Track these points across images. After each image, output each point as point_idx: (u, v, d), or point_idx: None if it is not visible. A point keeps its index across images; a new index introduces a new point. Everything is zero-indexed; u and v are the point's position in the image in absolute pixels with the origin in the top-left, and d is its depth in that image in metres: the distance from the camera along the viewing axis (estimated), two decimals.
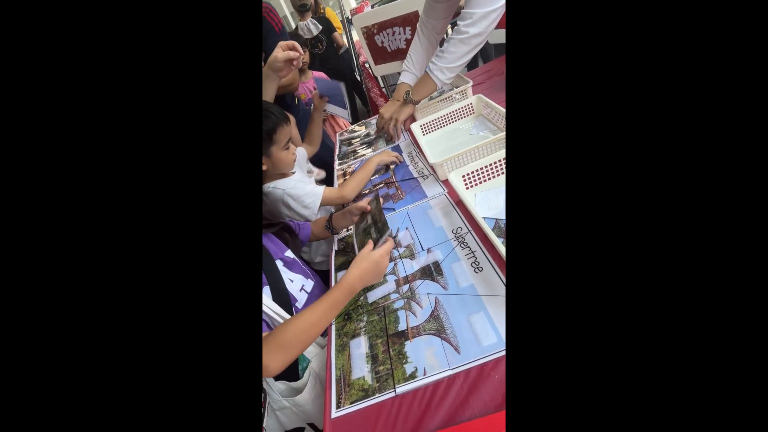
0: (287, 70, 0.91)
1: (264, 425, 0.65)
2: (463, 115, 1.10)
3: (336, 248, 0.87)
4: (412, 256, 0.73)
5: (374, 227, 0.74)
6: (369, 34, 1.93)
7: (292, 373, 0.64)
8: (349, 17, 2.31)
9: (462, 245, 0.69)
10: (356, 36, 2.14)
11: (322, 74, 1.96)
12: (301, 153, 1.16)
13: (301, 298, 0.75)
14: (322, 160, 1.39)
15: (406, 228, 0.81)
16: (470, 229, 0.71)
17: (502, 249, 0.59)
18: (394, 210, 0.89)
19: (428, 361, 0.53)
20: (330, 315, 0.61)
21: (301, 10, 2.44)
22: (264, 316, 0.65)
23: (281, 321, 0.65)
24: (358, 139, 1.38)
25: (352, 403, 0.52)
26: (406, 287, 0.66)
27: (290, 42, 0.88)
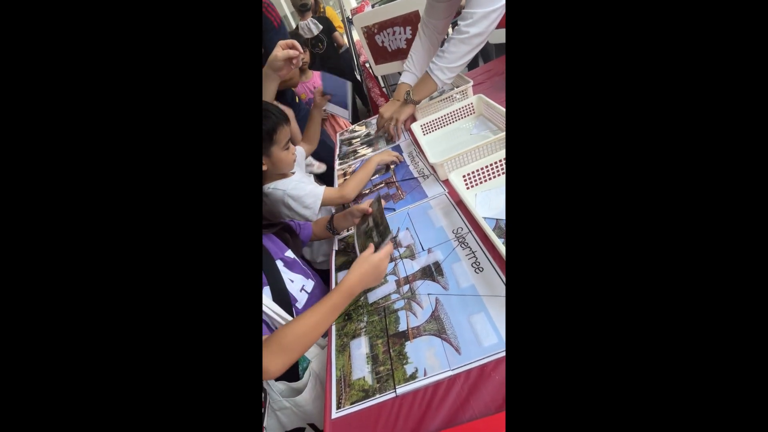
0: (287, 69, 0.91)
1: (264, 425, 0.65)
2: (463, 115, 1.10)
3: (336, 248, 0.87)
4: (412, 256, 0.73)
5: (376, 230, 0.73)
6: (369, 33, 1.93)
7: (292, 373, 0.64)
8: (350, 17, 2.30)
9: (462, 245, 0.69)
10: (356, 35, 2.13)
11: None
12: (300, 152, 1.16)
13: (301, 299, 0.75)
14: (323, 159, 1.39)
15: (407, 228, 0.81)
16: (471, 229, 0.71)
17: (502, 249, 0.59)
18: (394, 210, 0.89)
19: (429, 362, 0.53)
20: (330, 318, 0.62)
21: (301, 9, 2.44)
22: (264, 317, 0.65)
23: (281, 321, 0.65)
24: (359, 139, 1.38)
25: (352, 403, 0.52)
26: (406, 287, 0.66)
27: (290, 41, 0.88)
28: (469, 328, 0.54)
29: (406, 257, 0.73)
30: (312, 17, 2.47)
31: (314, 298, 0.77)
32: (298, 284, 0.76)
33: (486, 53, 2.22)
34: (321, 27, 2.44)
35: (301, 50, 0.88)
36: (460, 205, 0.78)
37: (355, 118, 2.15)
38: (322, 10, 2.72)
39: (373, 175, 1.07)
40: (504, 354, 0.49)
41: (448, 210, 0.80)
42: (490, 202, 0.74)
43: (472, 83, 1.14)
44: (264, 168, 0.87)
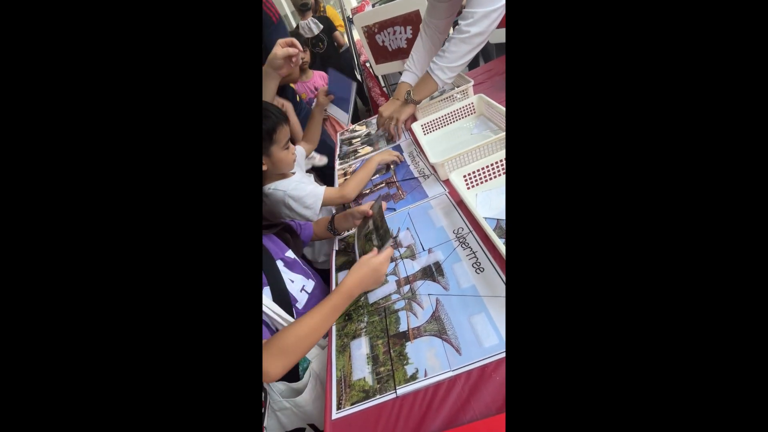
0: (287, 67, 0.91)
1: (264, 425, 0.65)
2: (464, 115, 1.09)
3: (337, 248, 0.87)
4: (413, 256, 0.72)
5: (376, 234, 0.73)
6: (370, 33, 1.92)
7: (292, 374, 0.64)
8: (350, 16, 2.30)
9: (463, 246, 0.69)
10: (357, 35, 2.13)
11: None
12: (300, 152, 1.16)
13: (301, 299, 0.75)
14: (322, 169, 1.39)
15: (407, 228, 0.80)
16: (471, 229, 0.71)
17: (503, 249, 0.58)
18: (395, 210, 0.89)
19: (429, 363, 0.52)
20: (329, 320, 0.61)
21: (302, 9, 2.44)
22: (264, 317, 0.65)
23: (281, 322, 0.65)
24: (359, 139, 1.37)
25: (352, 404, 0.52)
26: (407, 288, 0.66)
27: (289, 39, 0.88)
28: (470, 329, 0.54)
29: (406, 257, 0.73)
30: (312, 17, 2.46)
31: (314, 298, 0.77)
32: (298, 284, 0.76)
33: (487, 53, 2.21)
34: (321, 26, 2.44)
35: (301, 48, 0.88)
36: (461, 205, 0.78)
37: (356, 118, 2.15)
38: (322, 9, 2.72)
39: (374, 174, 1.07)
40: (504, 355, 0.49)
41: (449, 210, 0.79)
42: (490, 202, 0.74)
43: (472, 83, 1.13)
44: (264, 168, 0.87)
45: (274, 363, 0.54)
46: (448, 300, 0.60)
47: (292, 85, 1.47)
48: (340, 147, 1.39)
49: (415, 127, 1.07)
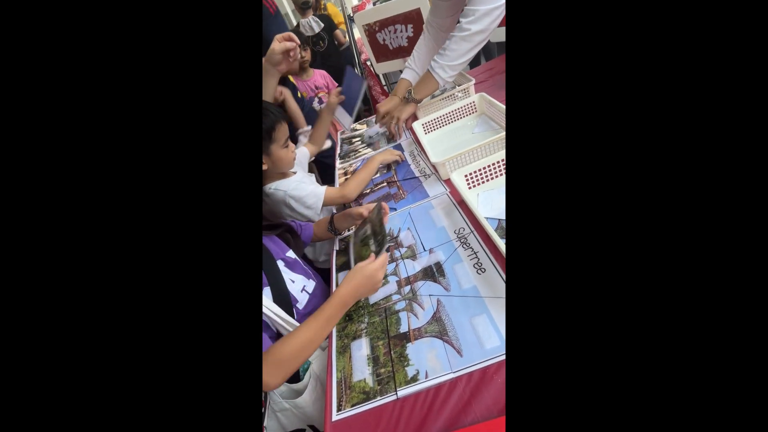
0: (286, 63, 0.90)
1: (264, 425, 0.65)
2: (465, 114, 1.09)
3: (337, 248, 0.87)
4: (413, 256, 0.72)
5: (373, 239, 0.73)
6: (370, 31, 1.92)
7: (293, 375, 0.63)
8: (351, 14, 2.29)
9: (464, 246, 0.68)
10: (358, 33, 2.12)
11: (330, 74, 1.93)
12: (303, 152, 1.16)
13: (302, 299, 0.75)
14: (323, 158, 1.38)
15: (408, 228, 0.80)
16: (473, 229, 0.71)
17: (504, 250, 0.58)
18: (395, 210, 0.88)
19: (430, 364, 0.52)
20: (324, 332, 0.61)
21: (302, 7, 2.43)
22: (265, 318, 0.64)
23: (282, 323, 0.65)
24: (359, 139, 1.37)
25: (353, 405, 0.52)
26: (407, 288, 0.66)
27: (287, 33, 0.88)
28: (471, 330, 0.54)
29: (407, 257, 0.73)
30: (313, 15, 2.45)
31: (315, 298, 0.76)
32: (299, 285, 0.76)
33: (488, 51, 2.20)
34: (322, 25, 2.43)
35: (298, 41, 0.87)
36: (462, 205, 0.78)
37: (356, 117, 2.14)
38: (323, 7, 2.71)
39: (375, 174, 1.07)
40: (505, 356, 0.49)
41: (450, 210, 0.79)
42: (492, 202, 0.73)
43: (473, 81, 1.13)
44: (264, 167, 0.87)
45: (272, 374, 0.55)
46: (449, 301, 0.60)
47: (291, 78, 1.46)
48: (341, 146, 1.38)
49: (416, 126, 1.07)
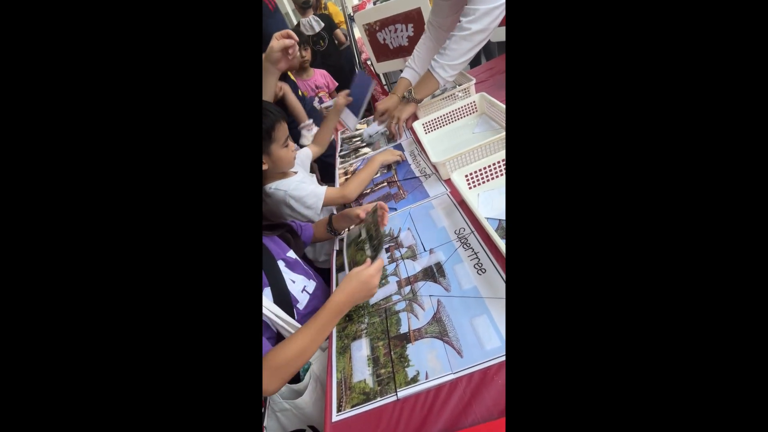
0: (285, 61, 0.90)
1: (264, 425, 0.65)
2: (465, 114, 1.09)
3: (337, 248, 0.87)
4: (413, 256, 0.72)
5: (369, 243, 0.73)
6: (371, 31, 1.91)
7: None
8: (351, 14, 2.29)
9: (465, 246, 0.68)
10: (358, 33, 2.12)
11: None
12: (306, 153, 1.15)
13: (302, 299, 0.74)
14: (324, 157, 1.38)
15: (408, 228, 0.80)
16: (473, 229, 0.71)
17: (505, 250, 0.58)
18: (395, 210, 0.88)
19: (430, 365, 0.52)
20: (319, 339, 0.61)
21: (303, 7, 2.43)
22: (265, 318, 0.64)
23: (282, 323, 0.65)
24: (359, 138, 1.37)
25: (353, 406, 0.52)
26: (407, 289, 0.66)
27: (285, 30, 0.87)
28: (472, 331, 0.54)
29: (407, 258, 0.72)
30: (313, 14, 2.45)
31: (316, 299, 0.76)
32: (299, 285, 0.76)
33: (488, 51, 2.20)
34: (323, 24, 2.42)
35: (297, 38, 0.87)
36: (462, 205, 0.78)
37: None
38: (323, 6, 2.71)
39: (375, 174, 1.06)
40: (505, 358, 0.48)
41: (450, 210, 0.79)
42: (492, 202, 0.73)
43: (474, 81, 1.13)
44: (264, 167, 0.87)
45: (269, 380, 0.55)
46: (450, 301, 0.60)
47: (291, 76, 1.46)
48: (341, 145, 1.38)
49: (417, 125, 1.06)
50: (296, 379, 0.64)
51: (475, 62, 2.00)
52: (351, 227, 0.90)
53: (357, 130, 1.44)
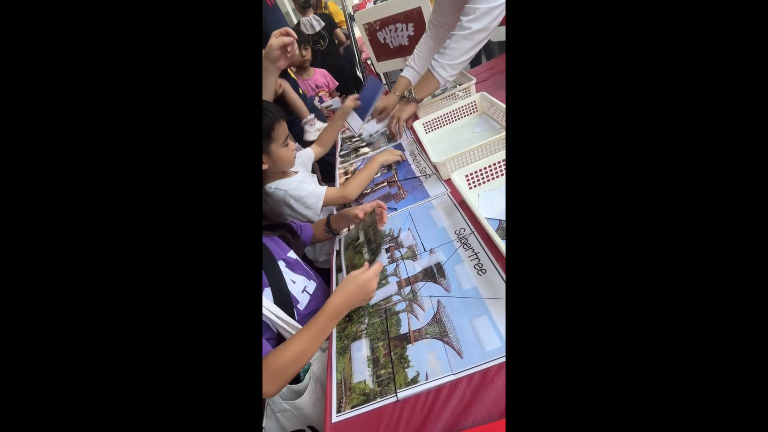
0: (284, 59, 0.90)
1: (263, 425, 0.65)
2: (466, 113, 1.08)
3: (337, 248, 0.87)
4: (413, 257, 0.72)
5: (367, 246, 0.72)
6: (371, 30, 1.91)
7: None
8: (351, 13, 2.29)
9: (465, 246, 0.68)
10: (358, 32, 2.12)
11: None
12: (308, 154, 1.15)
13: (303, 300, 0.74)
14: (324, 157, 1.38)
15: (408, 228, 0.80)
16: (473, 230, 0.70)
17: (505, 251, 0.58)
18: (396, 210, 0.88)
19: (430, 366, 0.52)
20: (317, 343, 0.61)
21: (303, 6, 2.42)
22: (265, 319, 0.64)
23: (282, 324, 0.64)
24: (359, 138, 1.36)
25: (353, 407, 0.52)
26: (407, 289, 0.66)
27: (283, 28, 0.87)
28: (472, 332, 0.53)
29: (407, 258, 0.72)
30: (314, 13, 2.45)
31: (316, 299, 0.76)
32: (300, 285, 0.76)
33: (489, 50, 2.20)
34: (323, 23, 2.42)
35: (295, 36, 0.87)
36: (463, 205, 0.77)
37: None
38: (323, 6, 2.70)
39: (376, 174, 1.06)
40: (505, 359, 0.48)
41: (451, 210, 0.79)
42: (492, 202, 0.73)
43: (474, 81, 1.12)
44: (264, 167, 0.86)
45: (268, 383, 0.56)
46: (450, 302, 0.59)
47: (292, 74, 1.46)
48: (342, 145, 1.38)
49: (417, 125, 1.06)
50: (296, 379, 0.63)
51: (475, 62, 1.99)
52: (350, 227, 0.89)
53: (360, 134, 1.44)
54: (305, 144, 1.32)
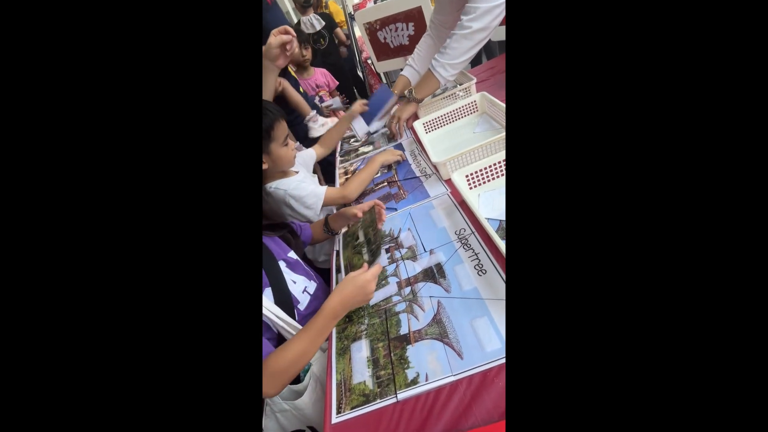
0: (283, 58, 0.90)
1: (264, 425, 0.65)
2: (466, 113, 1.08)
3: (337, 248, 0.86)
4: (414, 257, 0.72)
5: (367, 248, 0.72)
6: (371, 29, 1.91)
7: None
8: (352, 13, 2.28)
9: (465, 247, 0.68)
10: (359, 32, 2.11)
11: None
12: (310, 154, 1.15)
13: (303, 300, 0.74)
14: (324, 158, 1.38)
15: (408, 228, 0.79)
16: (474, 230, 0.70)
17: (505, 251, 0.58)
18: (396, 210, 0.88)
19: (430, 366, 0.52)
20: (316, 344, 0.61)
21: (304, 6, 2.42)
22: (265, 319, 0.64)
23: (283, 324, 0.64)
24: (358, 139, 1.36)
25: (352, 408, 0.51)
26: (407, 289, 0.65)
27: (282, 27, 0.87)
28: (472, 333, 0.53)
29: (407, 258, 0.72)
30: (314, 13, 2.44)
31: (316, 300, 0.76)
32: (300, 286, 0.75)
33: (489, 50, 2.19)
34: (323, 23, 2.42)
35: (294, 33, 0.87)
36: (463, 205, 0.77)
37: None
38: (324, 5, 2.70)
39: (376, 174, 1.06)
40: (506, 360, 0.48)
41: (451, 210, 0.78)
42: (493, 202, 0.73)
43: (475, 80, 1.12)
44: (264, 166, 0.86)
45: (269, 384, 0.56)
46: (450, 302, 0.59)
47: (292, 72, 1.45)
48: (341, 145, 1.38)
49: (417, 125, 1.06)
50: (296, 380, 0.63)
51: (476, 61, 1.99)
52: (349, 227, 0.89)
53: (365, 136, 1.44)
54: (311, 141, 1.32)
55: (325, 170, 1.44)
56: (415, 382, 0.51)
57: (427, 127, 1.08)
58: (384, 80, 2.48)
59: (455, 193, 0.82)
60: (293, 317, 0.68)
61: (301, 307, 0.73)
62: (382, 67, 2.08)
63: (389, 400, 0.50)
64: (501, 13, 0.89)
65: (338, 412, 0.52)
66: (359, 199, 0.99)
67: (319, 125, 1.33)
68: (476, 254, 0.65)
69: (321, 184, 1.05)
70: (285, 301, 0.70)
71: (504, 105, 0.92)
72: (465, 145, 0.87)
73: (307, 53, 1.93)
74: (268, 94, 0.96)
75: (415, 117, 1.14)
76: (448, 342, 0.54)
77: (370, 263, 0.67)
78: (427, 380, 0.50)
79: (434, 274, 0.66)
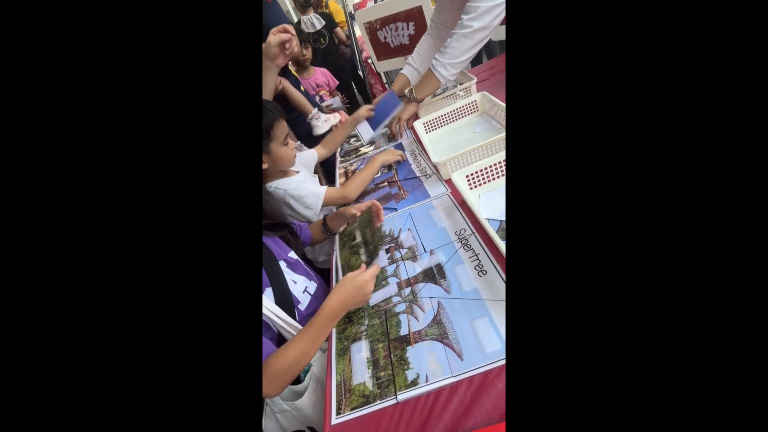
0: (283, 56, 0.90)
1: (264, 425, 0.64)
2: (467, 113, 1.08)
3: (337, 248, 0.86)
4: (414, 257, 0.71)
5: (365, 248, 0.72)
6: (372, 29, 1.90)
7: None
8: (352, 12, 2.28)
9: (465, 247, 0.68)
10: (359, 31, 2.11)
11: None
12: (311, 155, 1.15)
13: (304, 300, 0.74)
14: (324, 158, 1.38)
15: (408, 229, 0.79)
16: (474, 230, 0.70)
17: (505, 252, 0.57)
18: (396, 210, 0.88)
19: (430, 367, 0.52)
20: (315, 345, 0.60)
21: (304, 5, 2.42)
22: (266, 319, 0.64)
23: (283, 324, 0.64)
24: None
25: (352, 409, 0.51)
26: (408, 290, 0.65)
27: (281, 26, 0.87)
28: (472, 334, 0.53)
29: (407, 259, 0.72)
30: (314, 12, 2.44)
31: (317, 300, 0.76)
32: (301, 286, 0.75)
33: (490, 50, 2.19)
34: (323, 22, 2.41)
35: (293, 32, 0.87)
36: (463, 205, 0.77)
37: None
38: (324, 5, 2.70)
39: (376, 174, 1.06)
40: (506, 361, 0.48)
41: (451, 210, 0.78)
42: (493, 202, 0.73)
43: (475, 80, 1.12)
44: (264, 166, 0.86)
45: (270, 385, 0.56)
46: (450, 303, 0.59)
47: (293, 71, 1.45)
48: (341, 145, 1.37)
49: (417, 125, 1.06)
50: (297, 380, 0.63)
51: (476, 61, 1.99)
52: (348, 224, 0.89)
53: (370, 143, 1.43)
54: (314, 140, 1.31)
55: (325, 170, 1.44)
56: (415, 383, 0.51)
57: (427, 127, 1.08)
58: (384, 80, 2.48)
59: (455, 193, 0.82)
60: (294, 317, 0.68)
61: (302, 307, 0.73)
62: (383, 66, 2.08)
63: (389, 401, 0.50)
64: (502, 12, 0.89)
65: (338, 413, 0.52)
66: (359, 199, 0.99)
67: (322, 122, 1.33)
68: (476, 255, 0.65)
69: (322, 184, 1.05)
70: (285, 301, 0.69)
71: (504, 105, 0.91)
72: (465, 145, 0.87)
73: (307, 53, 1.93)
74: (267, 94, 0.96)
75: (416, 117, 1.14)
76: (448, 343, 0.54)
77: (368, 264, 0.66)
78: (427, 381, 0.50)
79: (434, 274, 0.66)
